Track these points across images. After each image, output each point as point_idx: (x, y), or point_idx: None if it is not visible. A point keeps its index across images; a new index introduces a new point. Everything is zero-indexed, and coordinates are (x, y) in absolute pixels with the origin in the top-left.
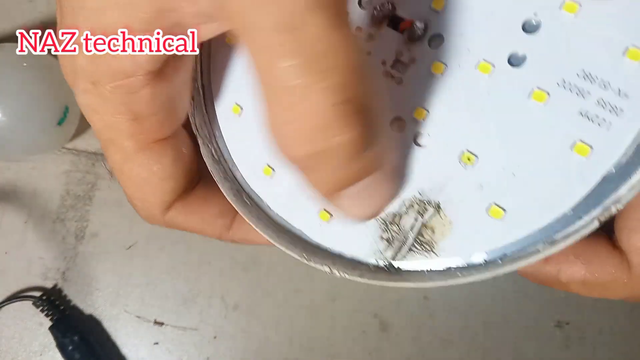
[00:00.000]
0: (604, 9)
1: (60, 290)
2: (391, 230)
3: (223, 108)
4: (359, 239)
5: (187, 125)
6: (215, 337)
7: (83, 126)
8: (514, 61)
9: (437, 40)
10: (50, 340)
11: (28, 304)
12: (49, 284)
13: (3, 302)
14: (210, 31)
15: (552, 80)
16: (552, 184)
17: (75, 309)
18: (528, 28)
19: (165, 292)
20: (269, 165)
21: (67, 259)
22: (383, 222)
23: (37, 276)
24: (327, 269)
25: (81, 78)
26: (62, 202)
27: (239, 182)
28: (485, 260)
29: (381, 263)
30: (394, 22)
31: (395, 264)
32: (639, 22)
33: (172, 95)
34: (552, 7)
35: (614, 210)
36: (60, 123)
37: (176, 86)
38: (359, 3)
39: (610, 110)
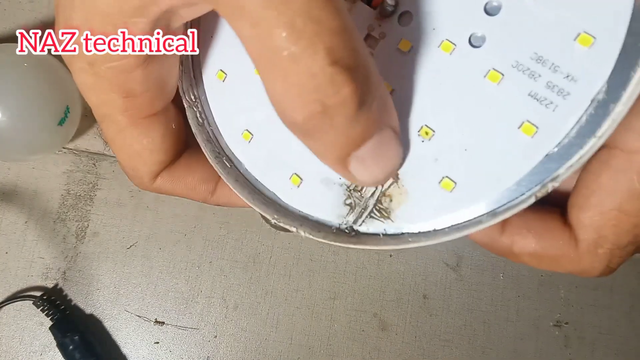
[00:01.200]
0: None
1: (60, 290)
2: (354, 197)
3: (209, 74)
4: (324, 203)
5: (175, 100)
6: (215, 337)
7: (84, 126)
8: (474, 41)
9: (406, 17)
10: (50, 340)
11: (28, 303)
12: (49, 284)
13: (3, 302)
14: (194, 13)
15: (507, 62)
16: (498, 161)
17: (75, 308)
18: (489, 10)
19: (165, 292)
20: (248, 131)
21: (67, 259)
22: (347, 188)
23: (37, 276)
24: (294, 229)
25: (78, 58)
26: (62, 202)
27: (220, 145)
28: (434, 228)
29: (343, 226)
30: None
31: (355, 227)
32: (591, 8)
33: (163, 73)
34: None
35: (550, 187)
36: (61, 123)
37: (167, 65)
38: None
39: (557, 93)
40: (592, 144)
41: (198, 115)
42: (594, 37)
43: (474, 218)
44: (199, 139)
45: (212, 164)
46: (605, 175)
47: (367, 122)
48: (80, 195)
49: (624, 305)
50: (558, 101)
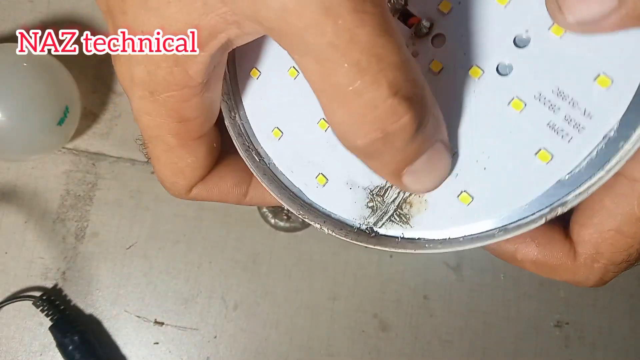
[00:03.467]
0: (586, 36)
1: (60, 290)
2: (376, 201)
3: (243, 70)
4: (348, 204)
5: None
6: (215, 337)
7: (83, 126)
8: (501, 70)
9: (439, 39)
10: (50, 340)
11: (28, 304)
12: (49, 284)
13: (3, 302)
14: (247, 40)
15: (530, 93)
16: (514, 182)
17: (75, 308)
18: (518, 42)
19: (165, 292)
20: (278, 128)
21: (67, 259)
22: (370, 192)
23: (37, 276)
24: (317, 225)
25: (139, 87)
26: (62, 202)
27: (250, 140)
28: (449, 237)
29: (364, 227)
30: (405, 16)
31: (375, 229)
32: (613, 52)
33: (213, 99)
34: (541, 27)
35: (559, 211)
36: (60, 123)
37: (217, 90)
38: None
39: (574, 126)
40: (600, 176)
41: (230, 109)
42: (612, 80)
43: (487, 231)
44: (231, 132)
45: (242, 156)
46: (608, 199)
47: (422, 140)
48: (79, 195)
49: (624, 306)
50: (574, 134)
